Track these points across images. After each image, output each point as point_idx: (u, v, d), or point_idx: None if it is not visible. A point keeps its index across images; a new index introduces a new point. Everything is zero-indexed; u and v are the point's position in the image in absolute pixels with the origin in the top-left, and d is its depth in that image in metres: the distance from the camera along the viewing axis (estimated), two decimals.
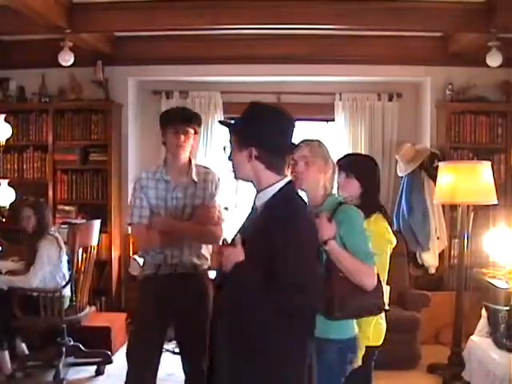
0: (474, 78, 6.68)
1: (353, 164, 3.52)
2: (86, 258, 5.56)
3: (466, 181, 5.33)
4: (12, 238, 6.55)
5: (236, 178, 2.51)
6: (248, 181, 2.47)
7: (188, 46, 6.85)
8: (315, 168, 3.00)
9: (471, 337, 5.42)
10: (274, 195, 2.40)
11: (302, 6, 5.66)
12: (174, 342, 6.35)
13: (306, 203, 2.59)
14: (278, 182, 2.41)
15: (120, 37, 6.86)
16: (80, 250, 5.48)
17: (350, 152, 6.90)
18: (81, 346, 5.68)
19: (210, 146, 7.22)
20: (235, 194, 7.31)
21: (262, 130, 2.36)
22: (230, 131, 2.48)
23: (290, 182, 2.48)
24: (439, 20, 5.72)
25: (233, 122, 2.56)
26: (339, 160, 3.60)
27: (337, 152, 6.99)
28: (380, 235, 3.36)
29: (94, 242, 5.75)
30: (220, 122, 2.59)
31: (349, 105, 7.13)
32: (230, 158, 2.47)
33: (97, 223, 5.88)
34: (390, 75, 6.96)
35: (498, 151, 6.69)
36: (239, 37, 6.70)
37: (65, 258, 5.52)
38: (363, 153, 6.74)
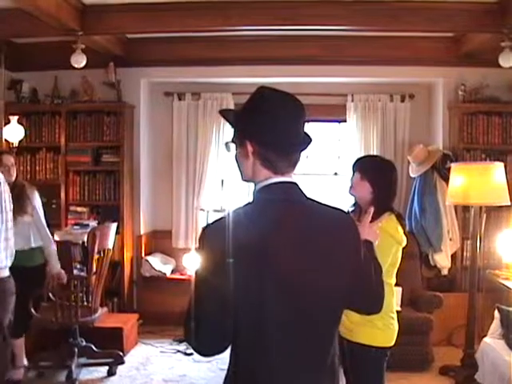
0: (486, 79, 6.64)
1: (368, 167, 3.50)
2: (100, 261, 5.58)
3: (478, 182, 5.30)
4: None
5: (242, 179, 2.07)
6: (251, 181, 2.03)
7: (200, 48, 6.85)
8: None
9: (484, 339, 5.39)
10: (254, 194, 1.99)
11: (313, 7, 5.65)
12: (186, 343, 6.38)
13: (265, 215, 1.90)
14: (266, 179, 1.95)
15: (132, 38, 6.88)
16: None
17: (363, 153, 6.91)
18: (93, 346, 5.70)
19: (222, 148, 7.22)
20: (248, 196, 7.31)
21: (258, 122, 1.94)
22: (230, 125, 2.08)
23: (283, 182, 1.95)
24: (451, 20, 5.68)
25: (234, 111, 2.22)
26: (357, 160, 3.61)
27: (349, 153, 7.02)
28: (388, 233, 3.34)
29: (110, 245, 5.78)
30: (220, 112, 2.12)
31: (361, 106, 7.12)
32: (235, 156, 2.06)
33: (113, 226, 5.91)
34: (402, 76, 6.95)
35: (511, 152, 6.65)
36: (251, 38, 6.69)
37: None
38: (377, 154, 6.74)
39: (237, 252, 1.78)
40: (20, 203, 4.98)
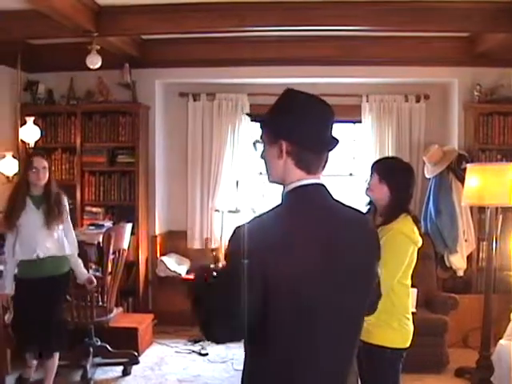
0: (502, 79, 6.60)
1: (387, 170, 3.49)
2: (116, 261, 5.60)
3: (494, 183, 5.26)
4: None
5: (270, 180, 2.11)
6: (279, 182, 2.06)
7: (215, 49, 6.86)
8: None
9: (500, 341, 5.36)
10: (284, 195, 2.02)
11: (328, 7, 5.63)
12: (201, 343, 6.40)
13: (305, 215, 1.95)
14: (299, 181, 1.98)
15: (147, 40, 6.90)
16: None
17: (378, 154, 6.91)
18: (108, 346, 5.73)
19: (237, 148, 7.25)
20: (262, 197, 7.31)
21: (293, 121, 1.98)
22: (260, 125, 2.11)
23: (315, 184, 2.00)
24: (466, 20, 5.64)
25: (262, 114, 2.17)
26: (377, 162, 3.61)
27: (364, 154, 7.00)
28: (404, 233, 3.35)
29: (126, 245, 5.81)
30: (248, 114, 2.20)
31: (376, 106, 7.10)
32: (262, 156, 2.11)
33: (128, 226, 5.93)
34: (417, 76, 6.92)
35: None
36: (266, 39, 6.69)
37: None
38: (392, 155, 6.73)
39: (273, 252, 1.81)
40: (59, 211, 4.87)
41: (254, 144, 2.12)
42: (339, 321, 1.92)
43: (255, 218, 1.96)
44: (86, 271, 5.24)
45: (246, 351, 1.98)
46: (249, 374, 1.97)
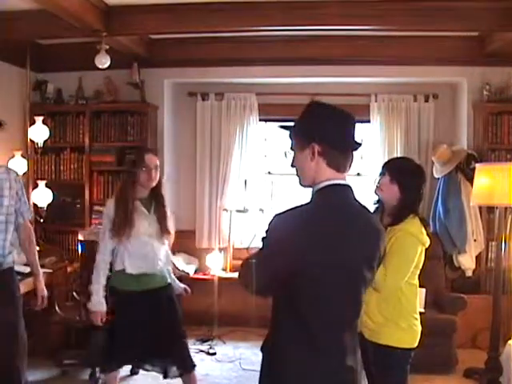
0: (511, 78, 6.57)
1: (399, 171, 3.50)
2: None
3: (503, 182, 5.23)
4: (50, 239, 6.61)
5: (302, 184, 2.36)
6: (310, 185, 2.32)
7: (223, 48, 6.87)
8: None
9: (509, 341, 5.33)
10: (315, 192, 2.28)
11: (336, 6, 5.62)
12: (209, 343, 6.41)
13: (335, 212, 2.26)
14: (329, 180, 2.26)
15: (156, 39, 6.90)
16: None
17: (387, 154, 6.90)
18: None
19: (246, 148, 7.26)
20: (270, 197, 7.31)
21: (322, 125, 2.26)
22: (290, 134, 2.38)
23: (343, 185, 2.30)
24: (475, 20, 5.61)
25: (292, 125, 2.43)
26: (388, 161, 3.63)
27: (372, 154, 6.98)
28: (411, 234, 3.36)
29: None
30: (281, 127, 2.41)
31: (384, 106, 7.09)
32: (292, 165, 2.36)
33: None
34: (425, 76, 6.90)
35: None
36: (274, 38, 6.69)
37: None
38: (402, 155, 6.73)
39: (305, 237, 2.13)
40: (166, 221, 4.43)
41: (285, 154, 2.31)
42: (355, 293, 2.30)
43: (291, 208, 2.22)
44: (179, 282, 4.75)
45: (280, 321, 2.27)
46: (282, 337, 2.25)
